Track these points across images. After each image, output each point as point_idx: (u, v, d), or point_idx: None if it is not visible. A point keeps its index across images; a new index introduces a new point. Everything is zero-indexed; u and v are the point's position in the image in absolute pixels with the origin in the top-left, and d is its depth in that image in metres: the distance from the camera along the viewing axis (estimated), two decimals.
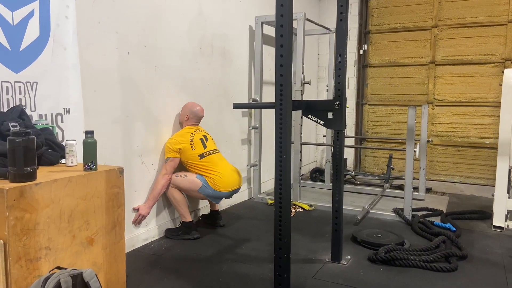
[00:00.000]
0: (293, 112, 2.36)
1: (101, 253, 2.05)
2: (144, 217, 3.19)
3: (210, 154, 3.43)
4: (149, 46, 3.20)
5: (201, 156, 3.37)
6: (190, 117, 3.45)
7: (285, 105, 2.20)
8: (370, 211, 4.09)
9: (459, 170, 5.56)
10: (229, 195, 3.47)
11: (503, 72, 5.09)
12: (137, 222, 3.17)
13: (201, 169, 3.35)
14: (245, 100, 4.54)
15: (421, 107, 4.60)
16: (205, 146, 3.42)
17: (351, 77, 5.98)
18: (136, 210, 3.16)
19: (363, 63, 6.07)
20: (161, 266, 2.84)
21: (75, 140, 2.09)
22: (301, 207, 4.30)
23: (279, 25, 2.16)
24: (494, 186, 3.71)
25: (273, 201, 4.16)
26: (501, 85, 5.18)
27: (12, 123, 1.82)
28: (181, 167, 3.42)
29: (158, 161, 3.39)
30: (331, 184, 4.83)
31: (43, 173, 1.88)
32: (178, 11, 3.48)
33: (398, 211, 3.96)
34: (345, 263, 2.93)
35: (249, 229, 3.67)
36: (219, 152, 3.56)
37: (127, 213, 3.06)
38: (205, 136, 3.49)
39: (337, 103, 2.69)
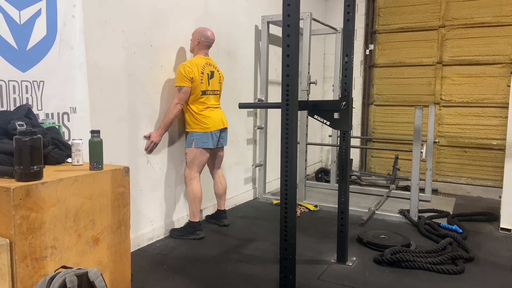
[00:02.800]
0: (299, 112, 2.35)
1: (106, 252, 2.05)
2: (155, 144, 3.20)
3: (211, 94, 3.38)
4: (155, 45, 3.20)
5: (204, 92, 3.31)
6: (202, 41, 3.34)
7: (292, 105, 2.19)
8: (376, 212, 4.07)
9: (465, 171, 5.52)
10: (220, 135, 3.42)
11: (511, 73, 5.05)
12: (149, 149, 3.18)
13: (193, 109, 3.29)
14: (250, 99, 4.53)
15: (427, 108, 4.57)
16: (208, 84, 3.35)
17: (357, 77, 5.95)
18: (147, 137, 3.17)
19: (369, 63, 6.04)
20: (166, 266, 2.84)
21: (81, 139, 2.09)
22: (307, 208, 4.29)
23: (286, 25, 2.15)
24: (501, 187, 3.68)
25: (278, 201, 4.13)
26: (509, 86, 5.13)
27: (18, 122, 1.82)
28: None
29: (165, 161, 3.39)
30: (337, 185, 4.81)
31: (49, 172, 1.88)
32: (184, 10, 3.47)
33: (404, 212, 3.94)
34: (350, 264, 2.91)
35: (254, 229, 3.66)
36: (218, 94, 3.50)
37: (132, 212, 3.06)
38: (212, 72, 3.40)
39: (344, 103, 2.67)
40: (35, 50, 2.25)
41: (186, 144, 3.42)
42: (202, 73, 3.29)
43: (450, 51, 5.51)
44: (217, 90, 3.47)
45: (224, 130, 3.50)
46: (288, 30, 2.15)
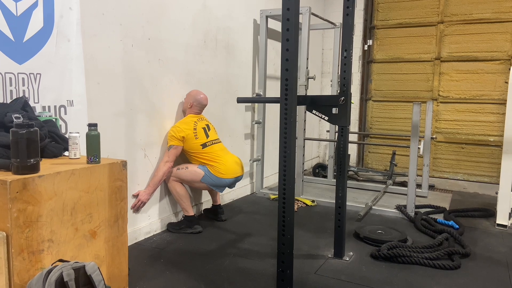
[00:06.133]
0: (297, 107, 2.34)
1: (103, 246, 2.05)
2: (143, 203, 3.17)
3: (212, 143, 3.42)
4: (153, 39, 3.18)
5: (204, 145, 3.35)
6: (194, 105, 3.42)
7: (290, 100, 2.18)
8: (373, 207, 4.08)
9: (462, 167, 5.54)
10: (232, 183, 3.45)
11: (509, 69, 5.06)
12: (136, 208, 3.14)
13: (203, 159, 3.34)
14: (248, 94, 4.52)
15: (425, 104, 4.58)
16: (207, 136, 3.40)
17: (355, 72, 5.94)
18: (135, 196, 3.15)
19: (367, 59, 6.03)
20: (163, 260, 2.84)
21: (78, 133, 2.08)
22: (304, 203, 4.29)
23: (285, 19, 2.14)
24: (498, 184, 3.69)
25: (276, 196, 4.13)
26: (507, 82, 5.14)
27: (15, 115, 1.81)
28: (181, 160, 3.41)
29: (161, 155, 3.38)
30: (334, 180, 4.83)
31: (46, 166, 1.87)
32: (183, 3, 3.45)
33: (401, 208, 3.95)
34: (347, 259, 2.92)
35: (251, 223, 3.66)
36: (220, 142, 3.55)
37: (129, 203, 3.06)
38: (207, 125, 3.47)
39: (342, 98, 2.66)
40: (32, 42, 2.23)
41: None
42: (195, 129, 3.33)
43: (449, 47, 5.50)
44: (217, 139, 3.52)
45: (239, 178, 3.50)
46: (287, 24, 2.14)
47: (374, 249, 3.02)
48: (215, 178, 3.31)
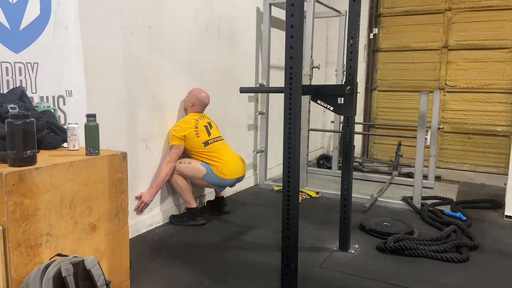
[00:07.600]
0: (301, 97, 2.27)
1: (104, 239, 2.00)
2: (146, 205, 3.13)
3: (215, 141, 3.37)
4: (154, 27, 3.10)
5: (206, 143, 3.30)
6: (196, 104, 3.37)
7: (295, 89, 2.12)
8: (378, 199, 4.02)
9: (469, 158, 5.46)
10: (233, 183, 3.42)
11: None
12: (139, 209, 3.11)
13: (206, 157, 3.29)
14: (252, 84, 4.45)
15: (432, 93, 4.49)
16: (209, 134, 3.35)
17: (360, 62, 5.79)
18: (138, 197, 3.11)
19: (373, 48, 5.93)
20: (166, 253, 2.80)
21: (77, 124, 2.02)
22: (308, 194, 4.24)
23: (290, 4, 2.06)
24: (505, 174, 3.63)
25: (279, 187, 4.08)
26: None
27: (11, 105, 1.75)
28: (185, 154, 3.35)
29: (163, 146, 3.33)
30: (338, 171, 4.78)
31: (44, 157, 1.82)
32: None
33: (407, 199, 3.89)
34: (353, 252, 2.87)
35: (255, 216, 3.62)
36: (223, 139, 3.50)
37: (131, 199, 3.02)
38: (209, 123, 3.42)
39: (348, 88, 2.59)
40: (29, 31, 2.16)
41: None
42: (196, 127, 3.28)
43: (456, 35, 5.39)
44: (219, 136, 3.47)
45: (241, 178, 3.46)
46: (292, 10, 2.06)
47: (380, 241, 2.97)
48: (217, 178, 3.27)
